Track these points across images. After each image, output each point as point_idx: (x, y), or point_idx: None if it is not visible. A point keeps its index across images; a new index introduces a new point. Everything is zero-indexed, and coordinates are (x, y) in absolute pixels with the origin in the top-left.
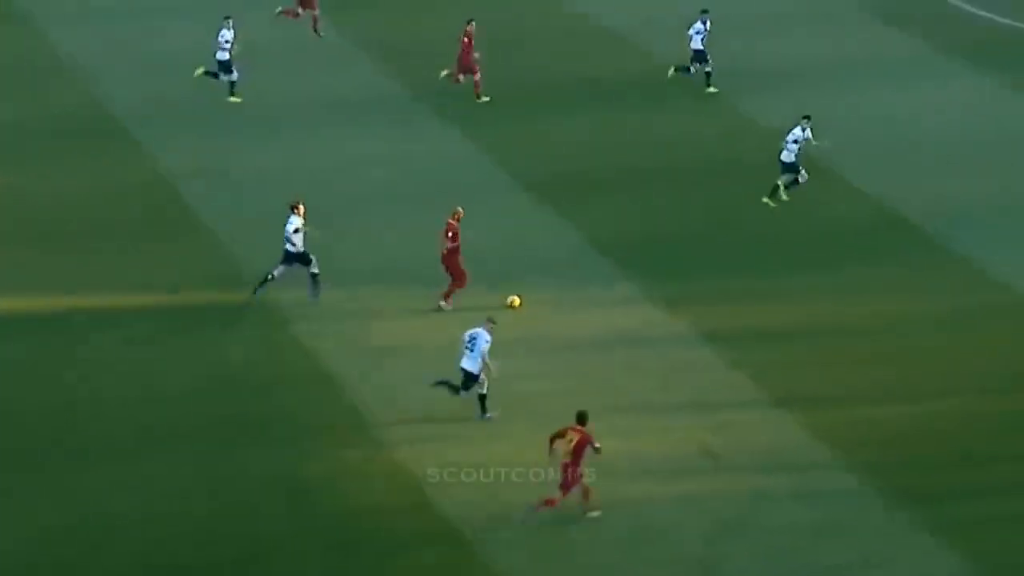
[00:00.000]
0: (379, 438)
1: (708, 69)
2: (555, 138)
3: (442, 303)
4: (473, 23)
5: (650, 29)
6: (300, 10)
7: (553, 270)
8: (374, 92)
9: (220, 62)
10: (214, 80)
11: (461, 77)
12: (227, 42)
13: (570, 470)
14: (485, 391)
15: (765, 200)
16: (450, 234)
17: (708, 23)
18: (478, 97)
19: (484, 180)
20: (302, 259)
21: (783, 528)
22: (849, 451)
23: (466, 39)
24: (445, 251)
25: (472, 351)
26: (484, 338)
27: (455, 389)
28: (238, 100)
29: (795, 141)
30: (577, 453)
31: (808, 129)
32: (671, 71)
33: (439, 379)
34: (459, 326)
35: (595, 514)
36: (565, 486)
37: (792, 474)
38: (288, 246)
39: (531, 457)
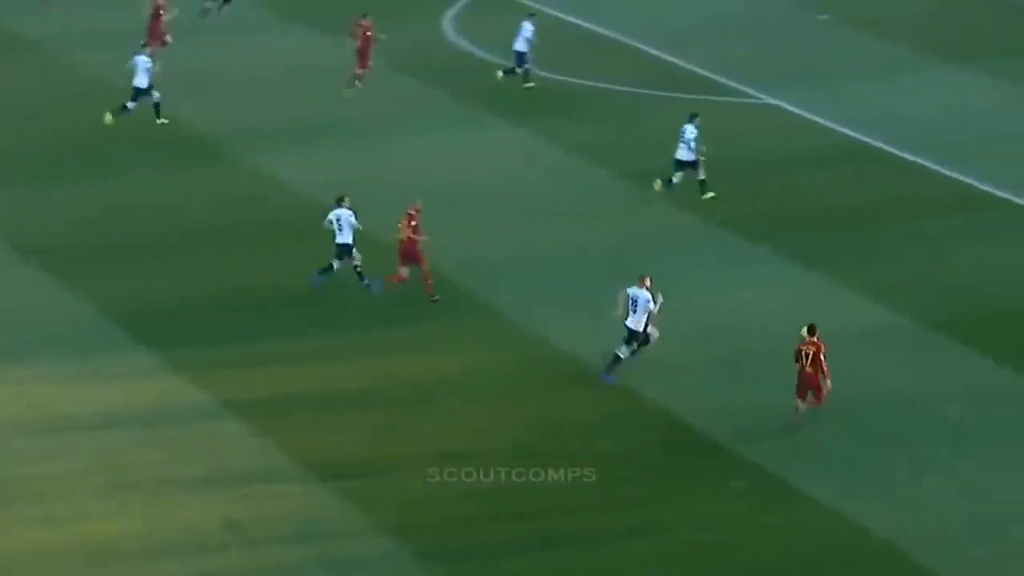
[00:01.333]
0: None
1: None
2: (61, 205)
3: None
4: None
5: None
6: None
7: (59, 343)
8: None
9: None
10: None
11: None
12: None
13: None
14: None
15: (656, 185)
16: (413, 224)
17: None
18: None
19: None
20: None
21: None
22: (380, 514)
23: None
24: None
25: (635, 311)
26: (645, 297)
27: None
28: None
29: (691, 139)
30: (817, 361)
31: (696, 128)
32: None
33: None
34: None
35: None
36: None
37: (322, 542)
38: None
39: None
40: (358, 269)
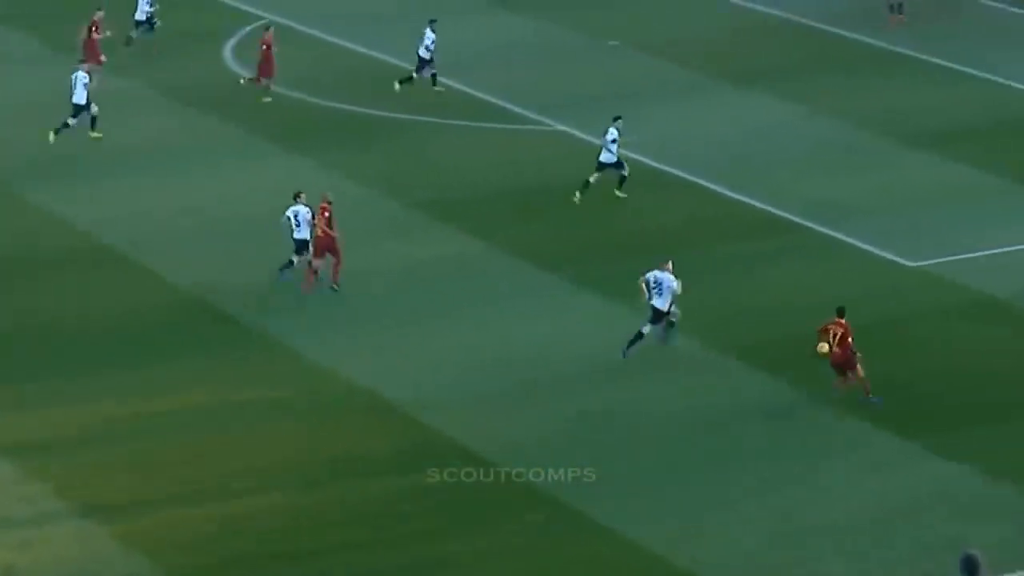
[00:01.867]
0: None
1: None
2: None
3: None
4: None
5: None
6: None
7: None
8: None
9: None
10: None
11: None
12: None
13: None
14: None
15: (576, 197)
16: (327, 214)
17: None
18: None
19: None
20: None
21: None
22: (165, 557)
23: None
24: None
25: (661, 293)
26: (669, 279)
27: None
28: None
29: (613, 141)
30: (844, 342)
31: (618, 130)
32: None
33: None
34: None
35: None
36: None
37: None
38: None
39: None
40: (292, 262)
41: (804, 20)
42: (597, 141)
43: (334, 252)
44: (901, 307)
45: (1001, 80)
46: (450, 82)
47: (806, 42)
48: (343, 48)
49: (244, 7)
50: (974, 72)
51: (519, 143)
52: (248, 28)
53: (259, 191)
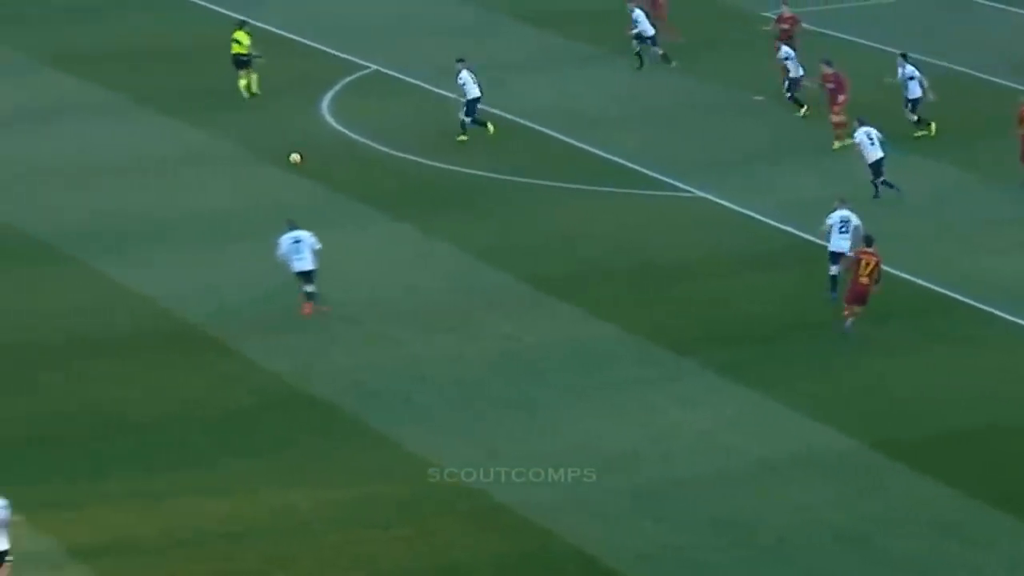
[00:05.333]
0: None
1: None
2: None
3: None
4: None
5: None
6: None
7: None
8: None
9: None
10: None
11: None
12: None
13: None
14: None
15: None
16: None
17: None
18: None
19: None
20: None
21: None
22: None
23: None
24: None
25: (846, 232)
26: (855, 220)
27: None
28: None
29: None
30: (874, 272)
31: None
32: None
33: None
34: None
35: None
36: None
37: None
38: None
39: None
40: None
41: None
42: (737, 208)
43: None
44: None
45: None
46: (570, 140)
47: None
48: (452, 101)
49: (344, 55)
50: None
51: (646, 209)
52: (348, 79)
53: (356, 262)
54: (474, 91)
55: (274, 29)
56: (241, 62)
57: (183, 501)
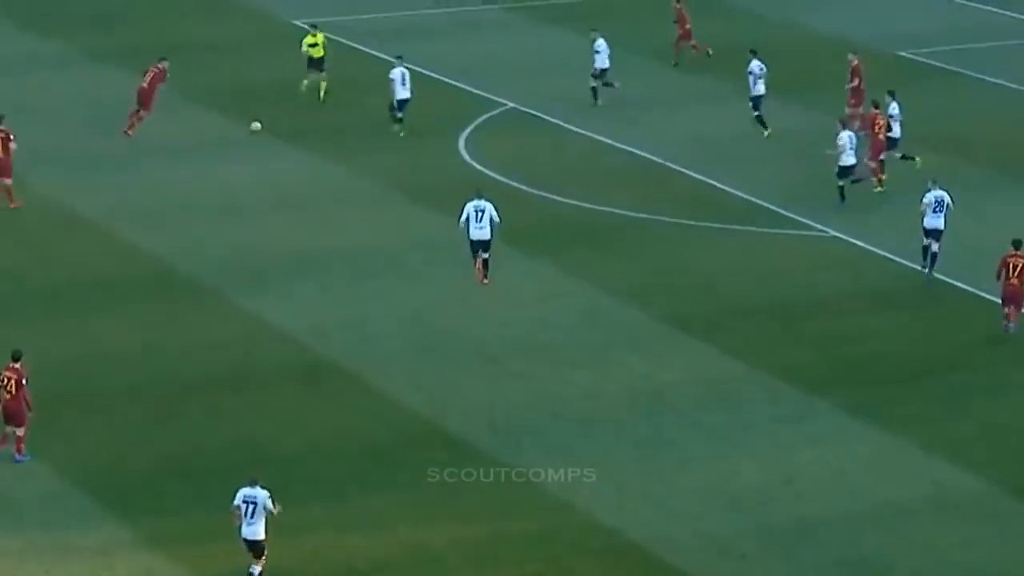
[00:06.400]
0: None
1: None
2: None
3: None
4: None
5: None
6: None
7: (22, 515)
8: None
9: None
10: None
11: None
12: None
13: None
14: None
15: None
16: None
17: None
18: None
19: None
20: None
21: None
22: None
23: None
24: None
25: (939, 212)
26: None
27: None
28: None
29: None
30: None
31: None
32: None
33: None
34: None
35: None
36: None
37: None
38: None
39: None
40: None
41: None
42: (871, 247)
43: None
44: None
45: None
46: (703, 178)
47: None
48: (587, 138)
49: (480, 92)
50: None
51: (782, 249)
52: (484, 116)
53: (492, 298)
54: None
55: (416, 68)
56: (314, 62)
57: (320, 535)
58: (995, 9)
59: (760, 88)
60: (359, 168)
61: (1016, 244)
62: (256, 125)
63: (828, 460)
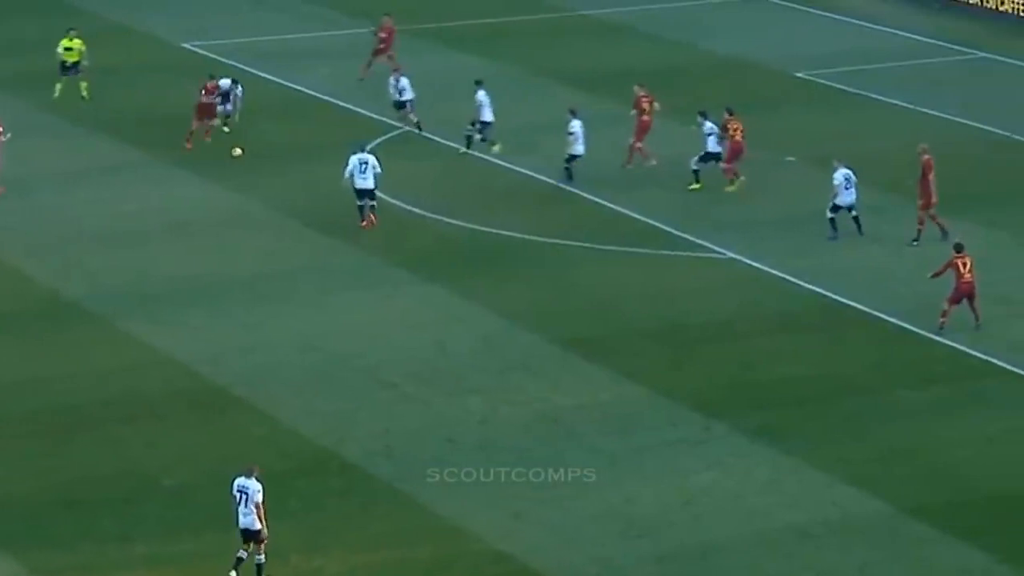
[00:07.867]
0: None
1: None
2: None
3: None
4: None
5: None
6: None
7: None
8: None
9: None
10: None
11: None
12: None
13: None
14: None
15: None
16: None
17: None
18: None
19: None
20: None
21: None
22: None
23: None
24: None
25: (850, 188)
26: None
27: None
28: None
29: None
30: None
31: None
32: None
33: None
34: None
35: None
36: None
37: None
38: None
39: None
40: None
41: None
42: (769, 269)
43: None
44: None
45: None
46: (600, 200)
47: None
48: (483, 161)
49: (377, 116)
50: None
51: (679, 271)
52: (381, 139)
53: (387, 324)
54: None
55: (312, 92)
56: (68, 67)
57: (212, 565)
58: (892, 30)
59: (711, 145)
60: (251, 193)
61: (958, 248)
62: (237, 151)
63: (726, 484)
